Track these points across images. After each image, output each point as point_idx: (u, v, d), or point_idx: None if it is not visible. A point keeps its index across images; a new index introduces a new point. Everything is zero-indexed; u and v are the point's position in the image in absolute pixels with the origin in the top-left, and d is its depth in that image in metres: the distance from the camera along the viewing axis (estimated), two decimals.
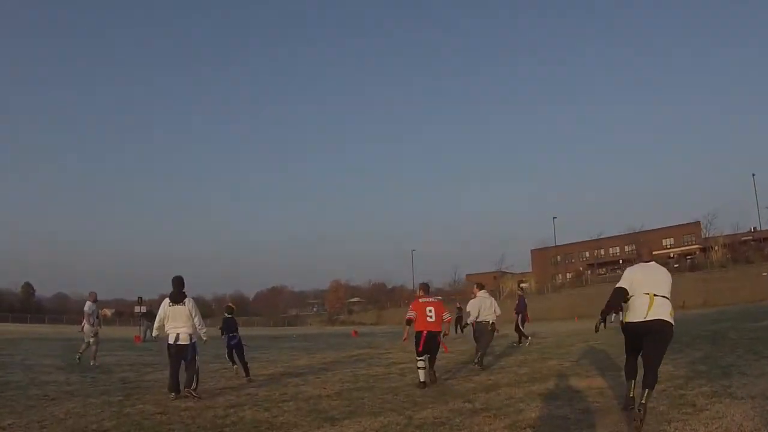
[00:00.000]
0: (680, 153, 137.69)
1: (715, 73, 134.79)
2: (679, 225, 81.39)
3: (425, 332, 9.90)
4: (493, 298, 12.98)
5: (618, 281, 6.92)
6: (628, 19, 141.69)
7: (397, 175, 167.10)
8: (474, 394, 8.95)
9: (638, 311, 6.37)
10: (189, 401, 8.86)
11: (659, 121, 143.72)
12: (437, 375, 10.46)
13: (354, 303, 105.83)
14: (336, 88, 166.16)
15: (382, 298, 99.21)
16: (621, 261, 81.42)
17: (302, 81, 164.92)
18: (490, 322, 12.53)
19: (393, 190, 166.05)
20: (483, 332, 12.57)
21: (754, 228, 75.16)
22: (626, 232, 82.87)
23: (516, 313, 19.82)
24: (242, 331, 13.34)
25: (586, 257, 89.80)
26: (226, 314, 13.12)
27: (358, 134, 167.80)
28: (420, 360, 9.90)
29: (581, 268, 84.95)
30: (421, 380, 9.74)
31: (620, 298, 6.61)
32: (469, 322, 12.82)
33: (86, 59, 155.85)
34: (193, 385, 9.17)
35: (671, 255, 76.09)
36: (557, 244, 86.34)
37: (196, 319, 9.32)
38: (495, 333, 12.97)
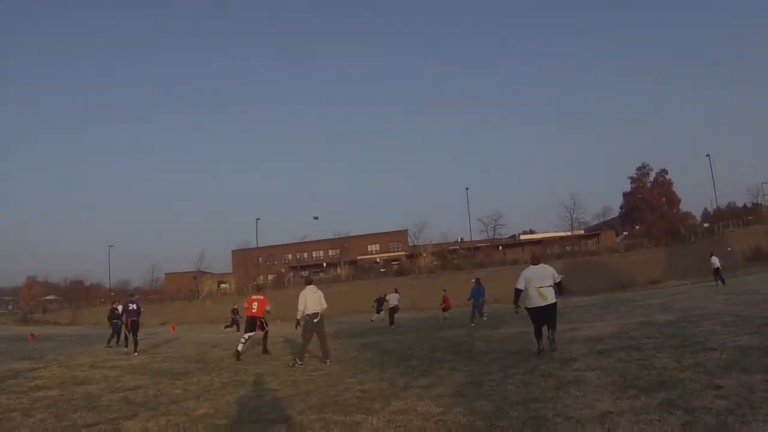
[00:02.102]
0: (393, 164, 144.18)
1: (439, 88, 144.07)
2: (386, 232, 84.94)
3: (248, 317, 15.60)
4: (320, 292, 13.07)
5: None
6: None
7: (95, 167, 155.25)
8: None
9: (534, 299, 10.32)
10: None
11: (373, 134, 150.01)
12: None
13: (50, 301, 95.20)
14: None
15: (80, 296, 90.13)
16: (324, 264, 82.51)
17: None
18: (318, 313, 12.75)
19: (93, 184, 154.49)
20: (308, 325, 12.70)
21: (461, 238, 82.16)
22: (331, 237, 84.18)
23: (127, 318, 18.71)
24: None
25: (288, 259, 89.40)
26: None
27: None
28: (244, 337, 15.11)
29: (283, 270, 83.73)
30: (239, 350, 14.44)
31: (519, 295, 10.59)
32: (297, 317, 12.95)
33: None
34: None
35: (377, 260, 78.70)
36: (260, 245, 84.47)
37: None
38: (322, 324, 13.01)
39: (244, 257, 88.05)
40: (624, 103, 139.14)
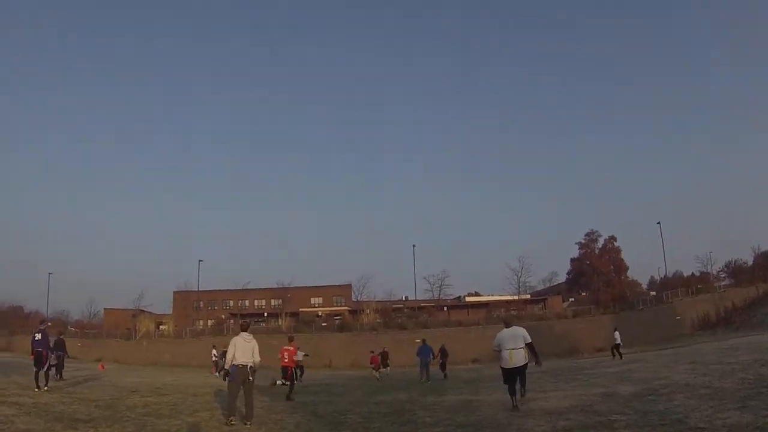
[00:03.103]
0: (340, 216, 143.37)
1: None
2: (329, 285, 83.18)
3: (282, 366, 17.41)
4: (255, 342, 11.43)
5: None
6: None
7: (33, 190, 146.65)
8: None
9: (505, 361, 10.96)
10: None
11: (318, 186, 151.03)
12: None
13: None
14: None
15: (17, 322, 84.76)
16: (265, 314, 79.41)
17: None
18: (248, 366, 11.12)
19: (30, 208, 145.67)
20: (235, 377, 11.17)
21: (406, 297, 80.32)
22: (274, 286, 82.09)
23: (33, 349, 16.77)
24: None
25: (230, 306, 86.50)
26: None
27: None
28: (283, 382, 17.41)
29: (223, 317, 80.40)
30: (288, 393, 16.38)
31: (497, 353, 11.30)
32: (225, 367, 12.17)
33: None
34: None
35: (319, 314, 76.49)
36: (203, 288, 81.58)
37: None
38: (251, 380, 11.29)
39: (184, 299, 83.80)
40: (574, 171, 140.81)
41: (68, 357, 21.73)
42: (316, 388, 20.80)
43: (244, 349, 11.06)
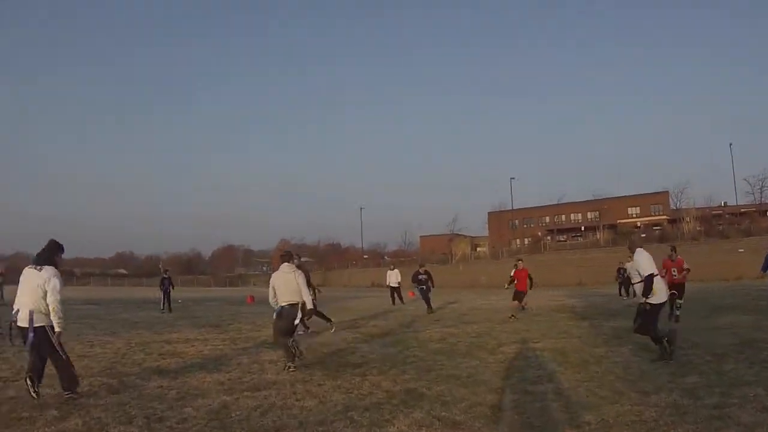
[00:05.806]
0: (651, 118, 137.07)
1: (690, 33, 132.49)
2: (646, 194, 78.62)
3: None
4: (298, 272, 9.02)
5: None
6: None
7: (341, 124, 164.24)
8: None
9: (663, 292, 8.80)
10: None
11: (629, 83, 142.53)
12: None
13: (301, 263, 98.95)
14: None
15: (333, 258, 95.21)
16: (582, 228, 79.07)
17: None
18: (290, 305, 8.86)
19: (339, 142, 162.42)
20: (280, 317, 8.96)
21: (725, 202, 73.62)
22: (589, 199, 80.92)
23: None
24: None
25: (545, 222, 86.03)
26: None
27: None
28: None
29: (540, 234, 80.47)
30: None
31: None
32: (271, 303, 9.26)
33: None
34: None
35: (638, 224, 73.79)
36: (516, 207, 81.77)
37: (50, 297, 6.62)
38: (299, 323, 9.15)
39: (499, 219, 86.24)
40: None
41: (433, 286, 22.20)
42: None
43: (285, 287, 8.90)
